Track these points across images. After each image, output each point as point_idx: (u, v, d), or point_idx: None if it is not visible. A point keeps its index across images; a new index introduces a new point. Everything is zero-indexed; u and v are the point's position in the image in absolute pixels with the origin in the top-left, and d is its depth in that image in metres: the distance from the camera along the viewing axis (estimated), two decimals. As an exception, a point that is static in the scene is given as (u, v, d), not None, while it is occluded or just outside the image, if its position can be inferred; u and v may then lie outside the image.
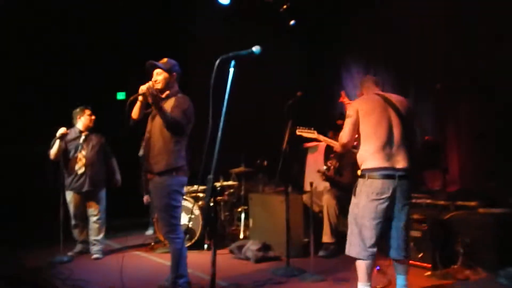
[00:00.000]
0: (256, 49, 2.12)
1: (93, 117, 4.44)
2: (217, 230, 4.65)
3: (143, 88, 3.04)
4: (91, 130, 4.44)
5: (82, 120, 4.40)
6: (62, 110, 4.53)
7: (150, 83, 3.07)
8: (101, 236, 4.38)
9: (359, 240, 2.77)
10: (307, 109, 4.77)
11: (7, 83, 5.48)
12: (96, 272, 3.84)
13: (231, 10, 6.07)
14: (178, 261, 3.10)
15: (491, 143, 4.61)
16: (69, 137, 4.34)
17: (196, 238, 4.43)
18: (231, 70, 2.06)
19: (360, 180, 2.83)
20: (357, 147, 2.94)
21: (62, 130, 4.19)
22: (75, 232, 4.43)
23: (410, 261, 3.44)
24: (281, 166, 3.79)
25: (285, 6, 5.91)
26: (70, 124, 4.43)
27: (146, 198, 5.07)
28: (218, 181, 5.03)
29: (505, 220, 3.59)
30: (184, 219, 4.46)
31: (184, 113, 3.06)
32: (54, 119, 4.36)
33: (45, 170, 4.65)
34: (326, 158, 4.90)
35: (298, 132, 3.78)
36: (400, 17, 5.39)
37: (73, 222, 4.38)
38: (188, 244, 4.35)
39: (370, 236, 2.74)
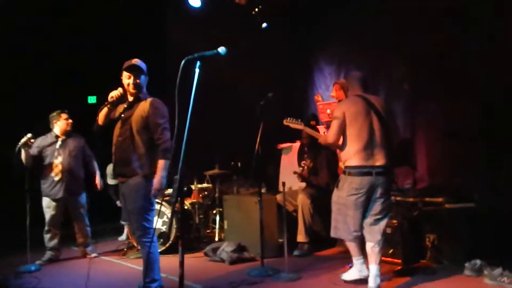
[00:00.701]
0: (221, 49, 2.13)
1: (70, 121, 4.35)
2: (185, 231, 4.64)
3: (112, 95, 3.02)
4: (69, 134, 4.35)
5: (59, 125, 4.31)
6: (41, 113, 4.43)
7: (120, 90, 3.05)
8: (88, 237, 4.46)
9: (344, 226, 3.18)
10: (280, 110, 4.80)
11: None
12: (65, 280, 3.75)
13: (205, 11, 6.07)
14: (151, 266, 3.06)
15: (458, 140, 4.77)
16: (44, 142, 4.26)
17: (170, 242, 4.38)
18: (197, 70, 2.05)
19: (343, 176, 3.20)
20: (341, 146, 3.23)
21: (25, 138, 4.04)
22: (46, 238, 4.33)
23: (381, 257, 3.54)
24: (255, 167, 3.81)
25: (256, 9, 5.95)
26: (48, 129, 4.34)
27: (119, 202, 5.00)
28: (192, 183, 5.01)
29: (470, 215, 3.72)
30: (158, 223, 4.43)
31: (166, 127, 3.06)
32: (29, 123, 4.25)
33: (12, 175, 4.50)
34: (300, 158, 4.96)
35: (285, 123, 3.91)
36: (370, 17, 5.51)
37: (46, 227, 4.30)
38: (162, 248, 4.29)
39: (353, 223, 3.15)
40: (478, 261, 3.32)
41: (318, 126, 5.02)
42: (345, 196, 3.13)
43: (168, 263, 3.63)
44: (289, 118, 3.89)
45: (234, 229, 4.46)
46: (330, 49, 6.31)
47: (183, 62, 2.06)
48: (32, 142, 4.14)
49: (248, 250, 4.16)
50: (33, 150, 4.23)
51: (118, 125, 3.15)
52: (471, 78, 4.53)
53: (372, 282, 3.06)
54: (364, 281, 3.18)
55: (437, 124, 4.98)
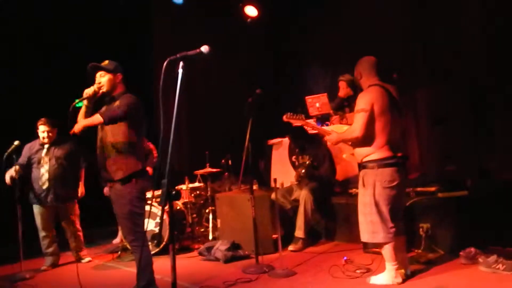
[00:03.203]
0: (204, 49, 2.07)
1: (45, 134, 4.16)
2: (178, 231, 4.61)
3: (87, 92, 2.94)
4: (54, 141, 4.22)
5: (39, 133, 4.19)
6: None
7: (94, 86, 2.97)
8: (80, 243, 4.39)
9: (383, 226, 2.98)
10: (271, 107, 4.77)
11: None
12: (59, 286, 3.71)
13: (192, 9, 5.99)
14: (144, 269, 3.03)
15: (449, 128, 4.77)
16: (31, 151, 4.19)
17: (164, 243, 4.34)
18: (180, 71, 2.00)
19: (368, 171, 3.02)
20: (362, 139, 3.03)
21: (12, 146, 3.97)
22: (44, 245, 4.27)
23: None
24: (245, 164, 3.77)
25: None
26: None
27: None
28: (183, 183, 4.95)
29: (463, 203, 3.73)
30: (151, 224, 4.38)
31: (120, 106, 2.93)
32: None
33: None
34: (291, 153, 4.92)
35: (285, 119, 3.61)
36: (355, 8, 5.47)
37: (41, 234, 4.24)
38: (156, 250, 4.25)
39: (388, 219, 2.98)
40: (472, 249, 3.33)
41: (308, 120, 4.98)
42: (378, 191, 2.97)
43: (162, 265, 3.57)
44: (289, 114, 3.59)
45: (227, 227, 4.43)
46: (316, 42, 6.26)
47: (165, 62, 2.00)
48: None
49: (242, 248, 4.13)
50: (22, 159, 4.17)
51: (99, 127, 3.06)
52: (461, 63, 4.53)
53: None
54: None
55: (427, 112, 4.98)
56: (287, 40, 6.54)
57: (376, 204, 2.97)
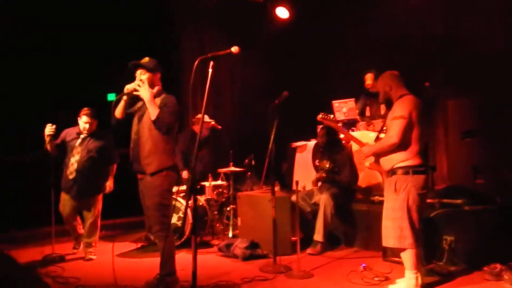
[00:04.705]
0: (234, 49, 2.14)
1: (87, 122, 4.15)
2: (199, 227, 4.64)
3: (128, 88, 3.06)
4: (92, 133, 4.21)
5: (79, 122, 4.21)
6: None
7: (135, 83, 3.09)
8: (93, 238, 4.27)
9: (411, 232, 2.98)
10: (294, 108, 4.78)
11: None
12: (87, 270, 3.86)
13: (217, 10, 6.08)
14: (167, 259, 3.15)
15: (479, 141, 4.65)
16: (68, 136, 4.22)
17: (185, 237, 4.44)
18: (210, 70, 2.07)
19: (402, 177, 3.04)
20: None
21: (47, 130, 4.02)
22: (70, 230, 4.34)
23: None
24: (268, 165, 3.81)
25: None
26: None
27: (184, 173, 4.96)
28: (206, 180, 5.05)
29: (489, 217, 3.63)
30: (173, 218, 4.49)
31: (171, 113, 3.08)
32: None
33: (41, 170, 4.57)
34: (315, 157, 4.93)
35: (319, 119, 3.69)
36: (388, 14, 5.41)
37: (64, 221, 4.29)
38: (177, 243, 4.35)
39: (417, 226, 3.02)
40: (498, 265, 3.24)
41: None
42: (412, 197, 2.99)
43: (182, 258, 3.69)
44: (322, 114, 3.66)
45: (247, 226, 4.49)
46: (342, 45, 6.21)
47: (196, 62, 2.08)
48: (53, 133, 4.06)
49: (261, 247, 4.18)
50: (58, 140, 4.20)
51: (135, 121, 3.22)
52: (493, 75, 4.41)
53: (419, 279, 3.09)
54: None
55: (456, 123, 4.86)
56: (314, 41, 6.52)
57: (409, 210, 2.98)
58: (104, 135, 4.27)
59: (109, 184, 4.38)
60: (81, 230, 4.36)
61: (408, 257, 3.03)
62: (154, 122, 3.01)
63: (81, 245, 4.36)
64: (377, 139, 3.35)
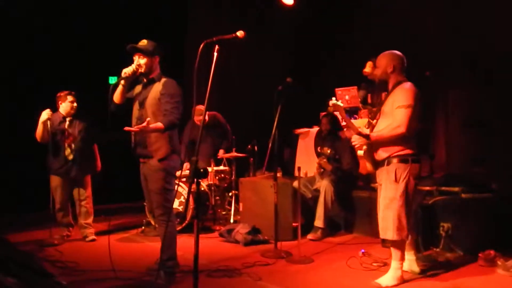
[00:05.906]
0: (240, 33, 2.14)
1: (75, 105, 4.29)
2: (201, 212, 4.66)
3: (126, 71, 3.03)
4: (74, 116, 4.32)
5: (63, 106, 4.29)
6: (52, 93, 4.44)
7: (133, 66, 3.05)
8: (91, 219, 4.41)
9: (407, 222, 2.95)
10: (297, 95, 4.77)
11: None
12: (86, 255, 3.89)
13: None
14: (169, 244, 3.15)
15: (479, 130, 4.67)
16: (55, 122, 4.25)
17: (186, 222, 4.49)
18: (215, 54, 2.08)
19: (402, 165, 2.94)
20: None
21: (44, 115, 4.11)
22: (59, 216, 4.36)
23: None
24: (271, 151, 3.83)
25: None
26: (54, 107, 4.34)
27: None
28: (209, 165, 5.08)
29: (486, 205, 3.69)
30: (175, 203, 4.53)
31: (177, 106, 3.04)
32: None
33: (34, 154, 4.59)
34: (317, 144, 4.96)
35: (332, 105, 3.54)
36: (389, 3, 5.38)
37: (58, 206, 4.32)
38: (179, 228, 4.39)
39: (411, 215, 3.01)
40: (492, 252, 3.31)
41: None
42: (411, 186, 2.95)
43: (183, 243, 3.71)
44: (333, 101, 3.53)
45: (249, 211, 4.54)
46: (348, 33, 6.17)
47: (201, 45, 2.07)
48: (50, 118, 4.16)
49: (262, 233, 4.23)
50: (46, 125, 4.20)
51: (136, 106, 3.18)
52: (496, 65, 4.41)
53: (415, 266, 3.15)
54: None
55: (457, 112, 4.88)
56: (321, 29, 6.47)
57: (407, 198, 2.94)
58: (83, 116, 4.39)
59: (99, 164, 4.51)
60: (81, 219, 4.40)
61: (399, 248, 3.00)
62: (164, 131, 2.99)
63: (73, 230, 4.41)
64: (369, 125, 3.17)
